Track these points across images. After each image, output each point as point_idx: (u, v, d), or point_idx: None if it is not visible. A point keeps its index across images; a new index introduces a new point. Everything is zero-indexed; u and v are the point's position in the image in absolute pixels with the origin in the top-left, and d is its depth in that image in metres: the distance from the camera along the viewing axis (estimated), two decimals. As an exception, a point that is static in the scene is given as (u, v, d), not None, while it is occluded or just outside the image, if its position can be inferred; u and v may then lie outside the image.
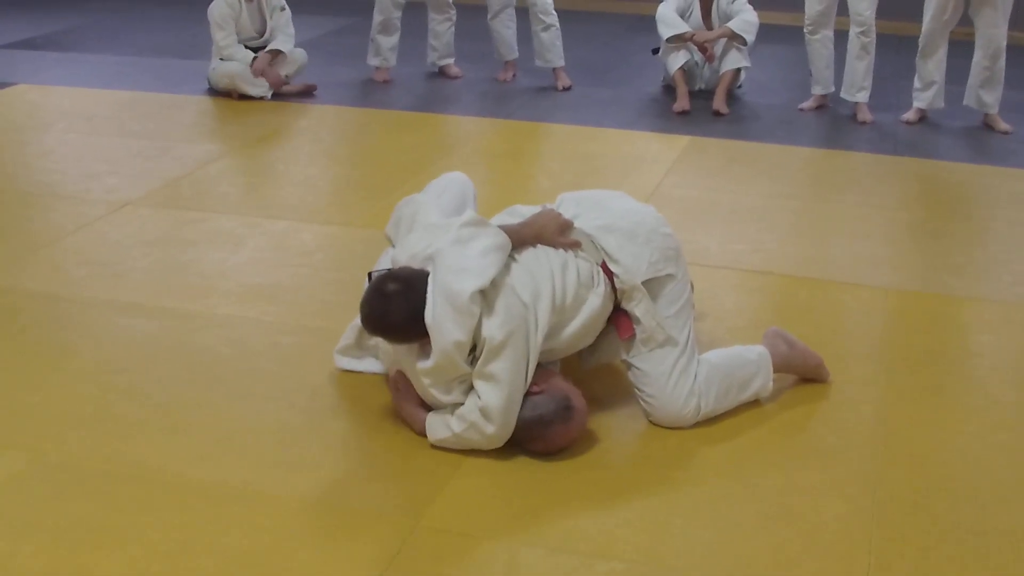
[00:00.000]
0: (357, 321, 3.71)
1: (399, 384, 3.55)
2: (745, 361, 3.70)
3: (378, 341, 3.63)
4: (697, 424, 3.57)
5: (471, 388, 3.37)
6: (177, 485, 3.25)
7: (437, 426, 3.42)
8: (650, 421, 3.60)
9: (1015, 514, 3.20)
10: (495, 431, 3.33)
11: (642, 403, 3.60)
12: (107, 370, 3.91)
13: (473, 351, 3.33)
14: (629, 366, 3.62)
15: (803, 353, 3.84)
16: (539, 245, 3.53)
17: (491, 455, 3.38)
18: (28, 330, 4.21)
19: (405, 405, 3.54)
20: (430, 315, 3.29)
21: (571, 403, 3.40)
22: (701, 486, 3.32)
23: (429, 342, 3.33)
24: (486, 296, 3.31)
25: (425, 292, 3.33)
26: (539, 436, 3.38)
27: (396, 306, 3.32)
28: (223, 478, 3.29)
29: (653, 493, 3.28)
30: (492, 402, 3.30)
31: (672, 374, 3.53)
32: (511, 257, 3.45)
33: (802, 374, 3.86)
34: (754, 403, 3.72)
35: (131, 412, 3.64)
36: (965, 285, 4.76)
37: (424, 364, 3.37)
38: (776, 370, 3.75)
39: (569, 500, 3.22)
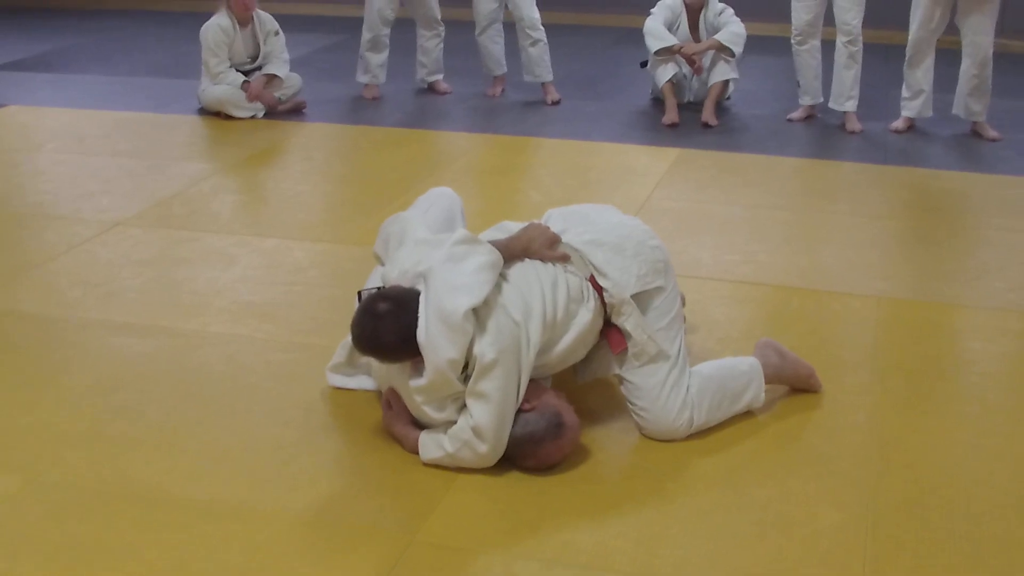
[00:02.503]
0: (348, 339, 3.71)
1: (390, 403, 3.56)
2: (737, 372, 3.71)
3: (369, 359, 3.63)
4: (690, 436, 3.58)
5: (464, 406, 3.37)
6: (172, 503, 3.25)
7: (430, 445, 3.42)
8: (643, 434, 3.60)
9: (1010, 521, 3.20)
10: (487, 450, 3.33)
11: (635, 416, 3.61)
12: (101, 390, 3.91)
13: (465, 368, 3.33)
14: (621, 380, 3.63)
15: (794, 363, 3.85)
16: (529, 261, 3.53)
17: (485, 470, 3.38)
18: (21, 350, 4.21)
19: (396, 424, 3.54)
20: (423, 333, 3.29)
21: (562, 420, 3.40)
22: (695, 497, 3.33)
23: (421, 360, 3.34)
24: (477, 314, 3.31)
25: (416, 311, 3.33)
26: (531, 453, 3.38)
27: (387, 326, 3.32)
28: (218, 496, 3.29)
29: (647, 505, 3.28)
30: (484, 421, 3.30)
31: (664, 387, 3.53)
32: (501, 275, 3.45)
33: (794, 384, 3.87)
34: (747, 414, 3.73)
35: (125, 431, 3.64)
36: (956, 292, 4.77)
37: (417, 382, 3.37)
38: (768, 381, 3.75)
39: (564, 513, 3.22)
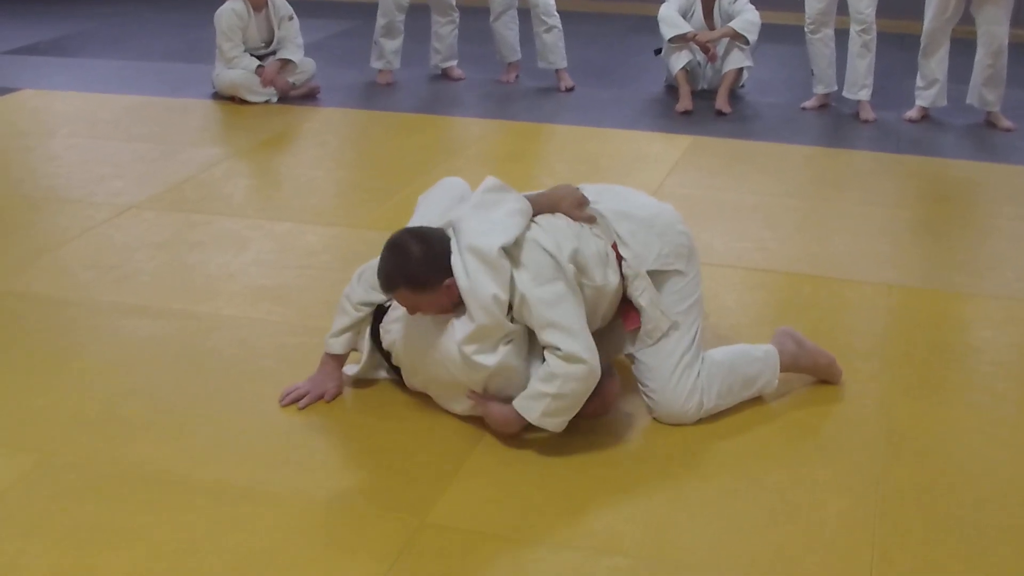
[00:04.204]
0: (368, 341, 3.76)
1: (474, 400, 3.50)
2: (751, 359, 3.71)
3: (398, 353, 3.63)
4: (700, 420, 3.59)
5: (510, 342, 3.36)
6: (183, 485, 3.26)
7: (530, 404, 3.36)
8: (653, 417, 3.61)
9: (1017, 510, 3.21)
10: (587, 368, 3.30)
11: (645, 398, 3.62)
12: (113, 372, 3.93)
13: (510, 310, 3.35)
14: (633, 360, 3.64)
15: (813, 352, 3.83)
16: (558, 215, 3.57)
17: (493, 454, 3.40)
18: (34, 333, 4.23)
19: (491, 405, 3.47)
20: (464, 278, 3.32)
21: (607, 361, 3.47)
22: (705, 482, 3.33)
23: (462, 308, 3.37)
24: (510, 254, 3.35)
25: (445, 242, 3.40)
26: (594, 391, 3.38)
27: (414, 248, 3.36)
28: (229, 478, 3.30)
29: (657, 489, 3.30)
30: (569, 344, 3.29)
31: (676, 369, 3.54)
32: (532, 221, 3.50)
33: (812, 373, 3.86)
34: (758, 400, 3.73)
35: (137, 413, 3.66)
36: (968, 281, 4.77)
37: (465, 330, 3.35)
38: (785, 369, 3.75)
39: (573, 497, 3.23)
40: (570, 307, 3.36)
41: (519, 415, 3.39)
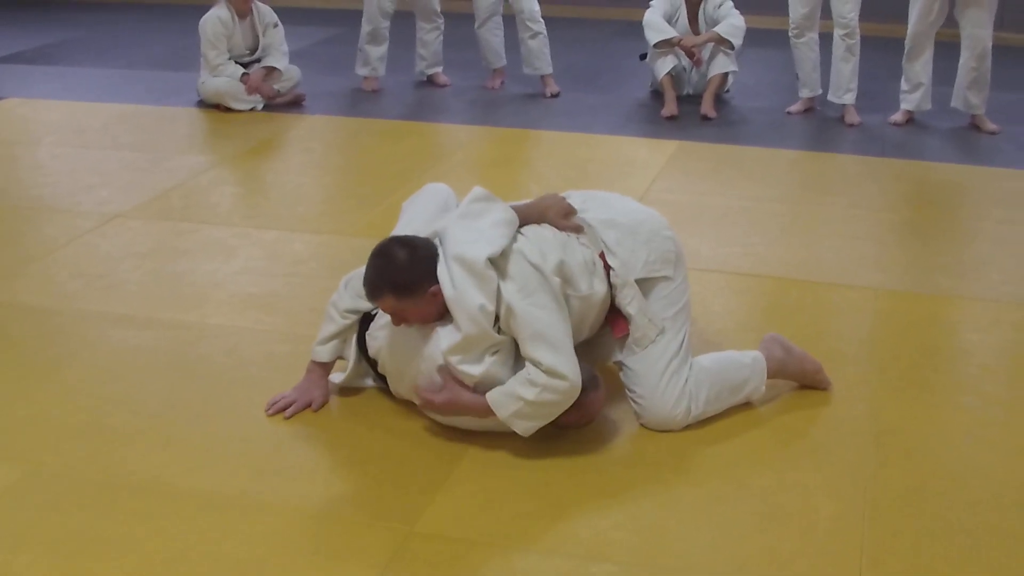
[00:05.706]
0: (355, 348, 3.75)
1: (446, 382, 3.45)
2: (739, 365, 3.71)
3: (384, 361, 3.63)
4: (689, 426, 3.59)
5: (496, 352, 3.36)
6: (172, 494, 3.26)
7: (504, 400, 3.35)
8: (641, 423, 3.61)
9: (1006, 511, 3.21)
10: (569, 384, 3.30)
11: (633, 404, 3.62)
12: (101, 381, 3.92)
13: (497, 321, 3.35)
14: (621, 366, 3.64)
15: (800, 359, 3.83)
16: (544, 225, 3.57)
17: (482, 461, 3.40)
18: (21, 343, 4.22)
19: (461, 394, 3.42)
20: (450, 288, 3.32)
21: (595, 372, 3.48)
22: (694, 487, 3.34)
23: (448, 320, 3.37)
24: (496, 264, 3.35)
25: (428, 245, 3.41)
26: (576, 402, 3.38)
27: (399, 253, 3.37)
28: (218, 487, 3.30)
29: (646, 495, 3.30)
30: (552, 359, 3.29)
31: (664, 375, 3.54)
32: (518, 232, 3.50)
33: (800, 380, 3.86)
34: (746, 405, 3.74)
35: (126, 423, 3.65)
36: (954, 284, 4.78)
37: (452, 341, 3.36)
38: (772, 375, 3.75)
39: (562, 503, 3.23)
40: (555, 321, 3.36)
41: (488, 407, 3.37)
